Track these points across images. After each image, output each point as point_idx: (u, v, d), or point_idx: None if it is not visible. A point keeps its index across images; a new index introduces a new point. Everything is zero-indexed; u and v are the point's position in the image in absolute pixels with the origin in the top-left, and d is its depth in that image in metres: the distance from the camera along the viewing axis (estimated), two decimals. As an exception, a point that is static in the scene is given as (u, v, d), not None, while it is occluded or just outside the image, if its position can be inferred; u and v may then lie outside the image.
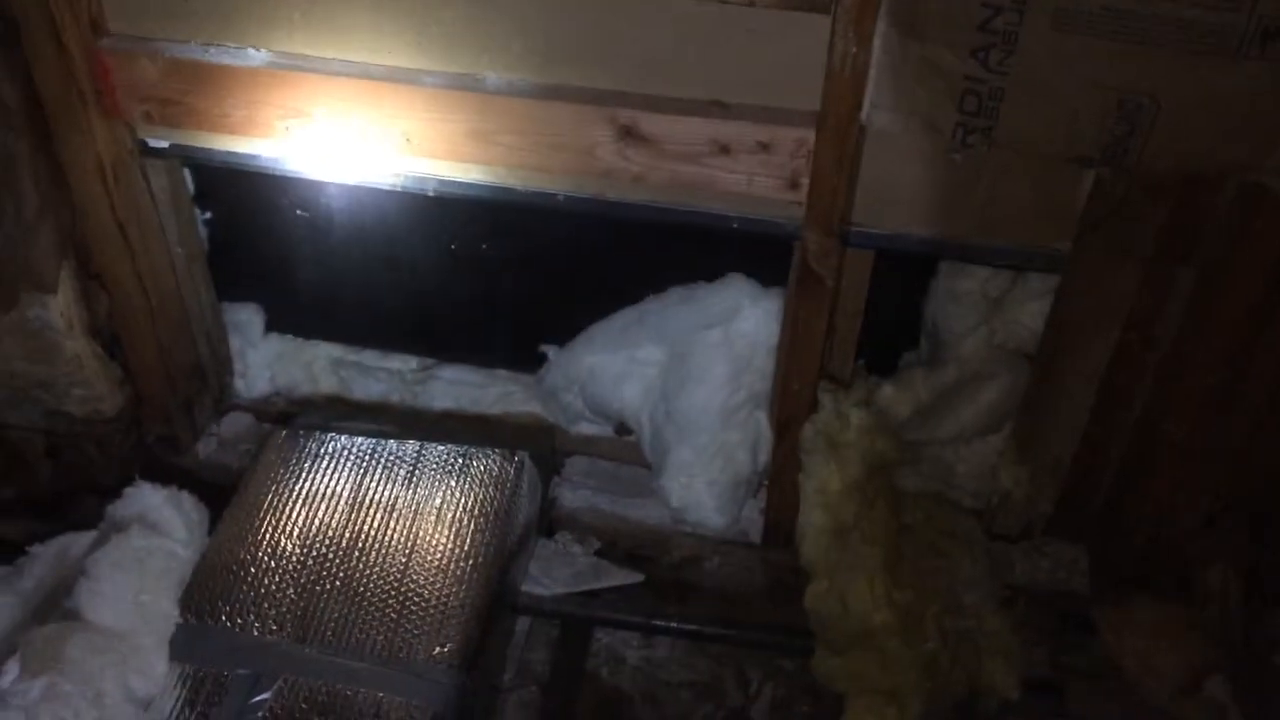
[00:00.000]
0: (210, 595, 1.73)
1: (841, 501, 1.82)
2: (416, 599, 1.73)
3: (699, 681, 1.98)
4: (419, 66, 1.75)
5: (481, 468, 1.96)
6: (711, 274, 2.02)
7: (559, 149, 1.73)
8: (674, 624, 1.98)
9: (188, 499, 1.85)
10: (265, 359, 2.33)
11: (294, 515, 1.86)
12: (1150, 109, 1.41)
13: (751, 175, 1.70)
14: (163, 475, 1.89)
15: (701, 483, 2.06)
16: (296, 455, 1.97)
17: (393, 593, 1.74)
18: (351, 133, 1.79)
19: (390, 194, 1.94)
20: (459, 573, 1.78)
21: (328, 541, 1.82)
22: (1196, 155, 1.47)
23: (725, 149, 1.68)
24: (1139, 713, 1.81)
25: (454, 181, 1.86)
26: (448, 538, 1.84)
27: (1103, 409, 1.85)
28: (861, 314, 1.87)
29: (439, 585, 1.76)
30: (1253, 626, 1.82)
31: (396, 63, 1.75)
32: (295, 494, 1.90)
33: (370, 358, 2.33)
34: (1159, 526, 1.86)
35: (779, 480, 2.01)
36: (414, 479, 1.94)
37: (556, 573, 2.02)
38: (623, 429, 2.23)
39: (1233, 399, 1.68)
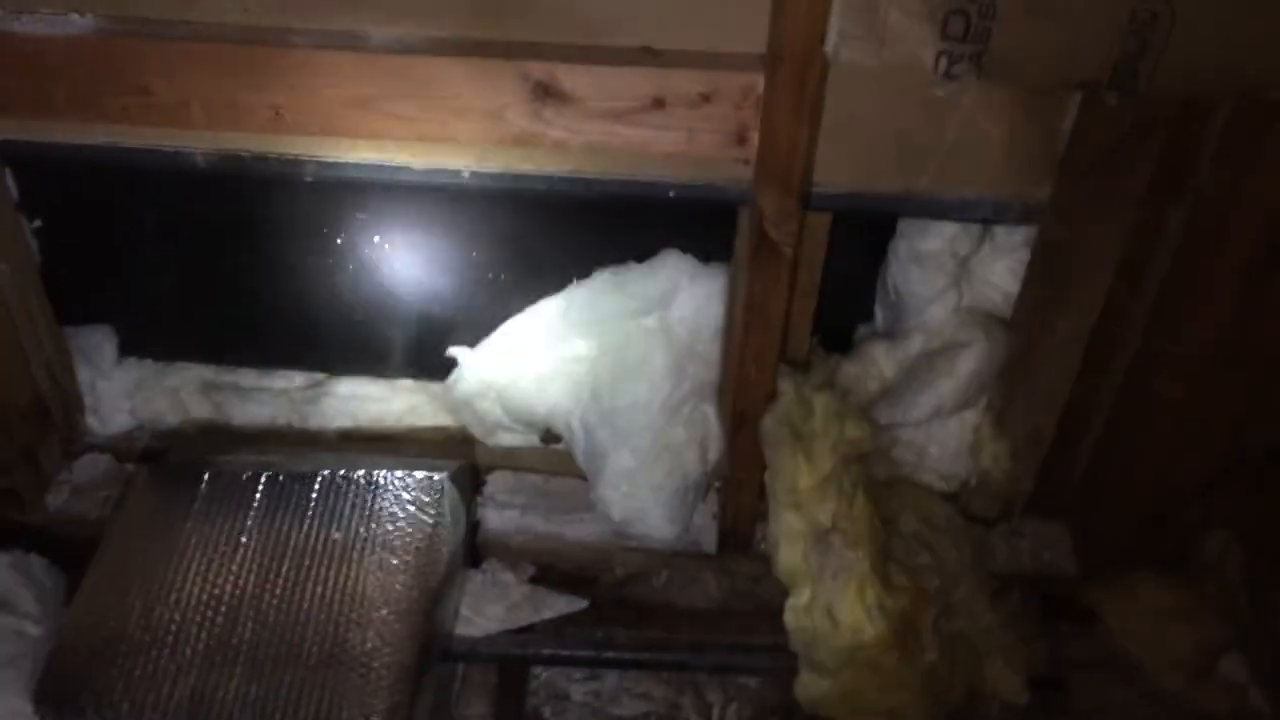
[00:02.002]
0: (71, 683, 1.47)
1: (815, 500, 1.61)
2: (333, 663, 1.50)
3: (654, 713, 1.86)
4: (284, 25, 1.47)
5: (393, 496, 1.73)
6: (643, 253, 1.83)
7: (461, 115, 1.49)
8: (624, 653, 1.83)
9: (36, 563, 1.70)
10: (122, 389, 2.08)
11: (171, 574, 1.60)
12: (1165, 20, 1.23)
13: (691, 132, 1.49)
14: (3, 537, 1.73)
15: (645, 490, 1.87)
16: (168, 500, 1.70)
17: (303, 658, 1.50)
18: (206, 110, 1.51)
19: (260, 182, 1.69)
20: (380, 625, 1.55)
21: (216, 603, 1.57)
22: (1210, 74, 1.30)
23: (659, 103, 1.46)
24: (1152, 702, 1.66)
25: (336, 162, 1.59)
26: (363, 584, 1.60)
27: (1086, 371, 1.70)
28: (819, 286, 1.67)
29: (358, 643, 1.53)
30: (1261, 596, 1.68)
31: (257, 21, 1.47)
32: (171, 548, 1.63)
33: (248, 377, 2.10)
34: (1154, 495, 1.70)
35: (734, 480, 1.82)
36: (315, 517, 1.69)
37: (488, 609, 1.82)
38: (550, 436, 2.02)
39: (1237, 350, 1.52)
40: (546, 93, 1.45)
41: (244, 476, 1.74)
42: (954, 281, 1.73)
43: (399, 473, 1.75)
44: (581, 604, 1.84)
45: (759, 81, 1.41)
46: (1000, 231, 1.70)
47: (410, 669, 1.51)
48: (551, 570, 1.91)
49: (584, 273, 1.86)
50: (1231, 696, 1.64)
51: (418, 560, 1.64)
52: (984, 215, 1.59)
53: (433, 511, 1.69)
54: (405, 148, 1.56)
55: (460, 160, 1.58)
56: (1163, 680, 1.66)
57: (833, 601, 1.54)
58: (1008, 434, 1.77)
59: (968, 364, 1.71)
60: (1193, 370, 1.56)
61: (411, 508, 1.70)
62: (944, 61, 1.32)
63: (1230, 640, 1.68)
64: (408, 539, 1.66)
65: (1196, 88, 1.33)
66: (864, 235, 1.77)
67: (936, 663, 1.58)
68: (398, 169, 1.59)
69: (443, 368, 2.00)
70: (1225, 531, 1.73)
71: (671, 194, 1.58)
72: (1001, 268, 1.72)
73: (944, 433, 1.80)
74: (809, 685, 1.60)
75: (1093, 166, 1.46)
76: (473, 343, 1.96)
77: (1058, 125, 1.47)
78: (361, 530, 1.67)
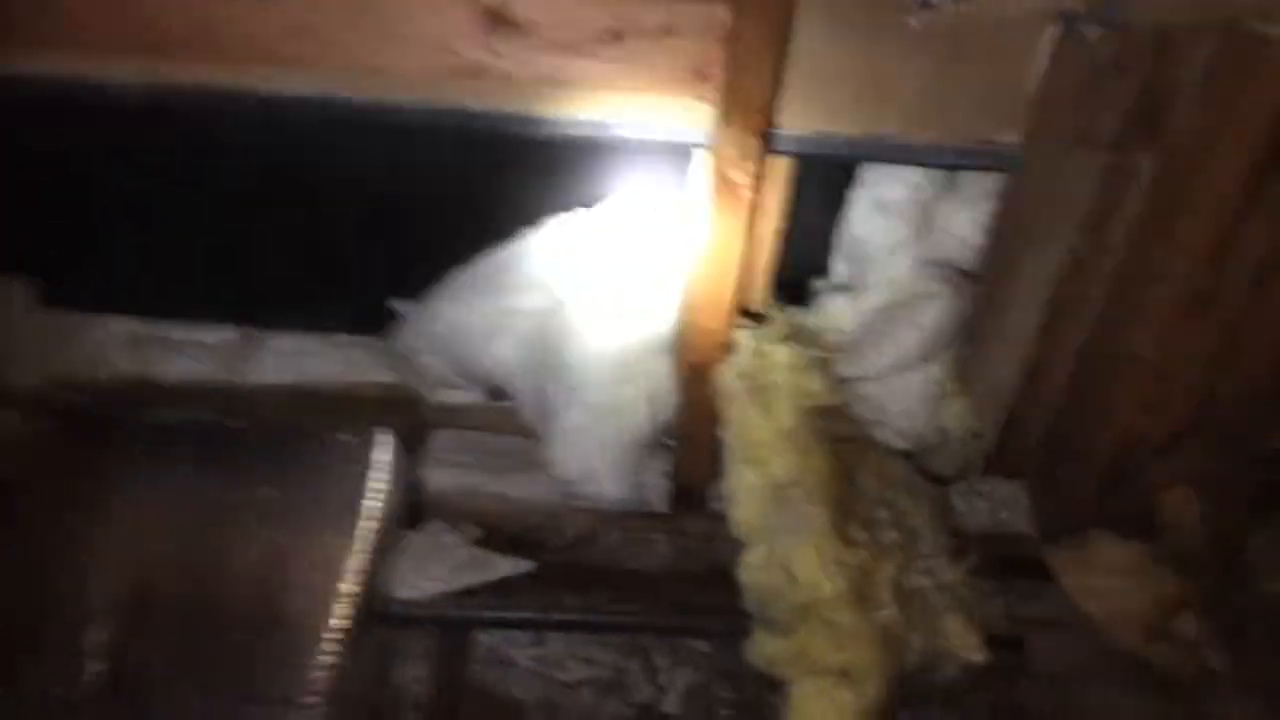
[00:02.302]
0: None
1: (774, 454, 1.56)
2: (263, 626, 1.45)
3: (601, 678, 1.83)
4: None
5: (329, 452, 1.66)
6: (594, 200, 1.75)
7: (404, 44, 1.41)
8: (570, 616, 1.78)
9: (-54, 524, 1.52)
10: (41, 342, 1.96)
11: (89, 534, 1.51)
12: (1149, -53, 1.18)
13: (650, 68, 1.42)
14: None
15: (596, 448, 1.81)
16: (88, 457, 1.62)
17: (232, 621, 1.45)
18: (123, 31, 1.40)
19: (188, 118, 1.58)
20: (313, 586, 1.49)
21: (138, 565, 1.49)
22: (1191, 4, 1.25)
23: (616, 35, 1.40)
24: (1109, 660, 1.63)
25: (269, 95, 1.49)
26: (295, 544, 1.53)
27: (1052, 324, 1.66)
28: (777, 234, 1.61)
29: (289, 605, 1.47)
30: (1223, 552, 1.66)
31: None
32: (90, 506, 1.55)
33: (178, 331, 2.01)
34: (1116, 453, 1.67)
35: (687, 436, 1.77)
36: (244, 474, 1.61)
37: (430, 570, 1.74)
38: (497, 393, 1.95)
39: (1207, 304, 1.49)
40: (498, 20, 1.37)
41: (170, 432, 1.66)
42: (917, 232, 1.69)
43: (336, 431, 1.68)
44: (527, 566, 1.77)
45: (724, 14, 1.34)
46: (965, 179, 1.66)
47: (348, 630, 1.46)
48: (497, 531, 1.85)
49: (535, 221, 1.79)
50: (1188, 654, 1.62)
51: (353, 520, 1.57)
52: (951, 161, 1.54)
53: (370, 469, 1.62)
54: (343, 78, 1.47)
55: (402, 94, 1.49)
56: (1119, 639, 1.64)
57: (790, 557, 1.50)
58: (970, 390, 1.73)
59: (930, 317, 1.67)
60: (1162, 322, 1.52)
61: (348, 464, 1.63)
62: (920, -12, 1.26)
63: (1187, 598, 1.66)
64: (344, 497, 1.59)
65: (1178, 19, 1.28)
66: (824, 183, 1.72)
67: (893, 620, 1.54)
68: (334, 102, 1.49)
69: (384, 322, 1.93)
70: (1186, 489, 1.70)
71: (628, 135, 1.51)
72: (966, 218, 1.69)
73: (905, 388, 1.76)
74: (763, 644, 1.56)
75: (1066, 107, 1.42)
76: (416, 295, 1.88)
77: (1030, 64, 1.42)
78: (295, 489, 1.60)
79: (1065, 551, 1.73)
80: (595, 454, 1.81)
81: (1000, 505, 1.87)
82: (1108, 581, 1.68)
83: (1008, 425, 1.80)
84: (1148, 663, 1.62)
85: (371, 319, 1.94)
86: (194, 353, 1.98)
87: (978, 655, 1.58)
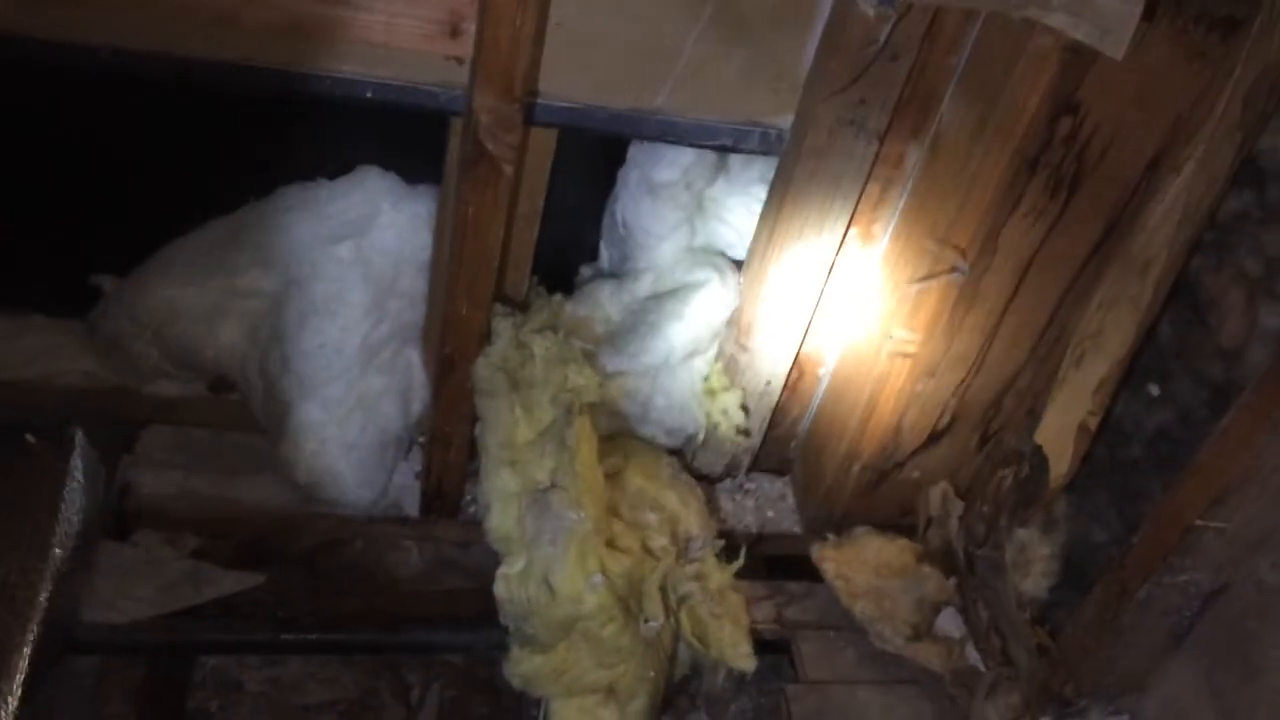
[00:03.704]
0: None
1: (533, 455, 1.43)
2: None
3: (345, 699, 1.73)
4: None
5: (8, 452, 1.41)
6: (338, 169, 1.57)
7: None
8: (307, 635, 1.60)
9: None
10: None
11: None
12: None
13: (391, 18, 1.27)
14: None
15: (337, 447, 1.64)
16: None
17: None
18: None
19: None
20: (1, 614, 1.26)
21: None
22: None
23: (362, -23, 1.22)
24: (875, 663, 1.60)
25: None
26: None
27: (817, 318, 1.61)
28: (540, 215, 1.48)
29: None
30: (974, 550, 1.67)
31: None
32: None
33: None
34: (879, 449, 1.64)
35: (441, 435, 1.62)
36: None
37: (136, 590, 1.53)
38: (221, 384, 1.74)
39: (970, 300, 1.47)
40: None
41: None
42: (688, 217, 1.60)
43: (21, 429, 1.42)
44: (255, 580, 1.59)
45: (478, -41, 1.20)
46: (736, 164, 1.58)
47: (22, 662, 1.24)
48: (224, 540, 1.67)
49: (263, 191, 1.59)
50: (948, 652, 1.61)
51: (37, 531, 1.34)
52: (723, 142, 1.46)
53: (59, 471, 1.39)
54: (29, 14, 1.23)
55: (99, 34, 1.26)
56: (884, 639, 1.61)
57: (550, 569, 1.36)
58: (738, 384, 1.66)
59: (699, 307, 1.58)
60: (928, 317, 1.49)
61: (33, 470, 1.39)
62: (691, -54, 1.15)
63: (949, 596, 1.65)
64: (26, 504, 1.36)
65: (954, 1, 1.24)
66: (590, 161, 1.61)
67: (661, 632, 1.44)
68: (16, 41, 1.25)
69: (85, 301, 1.68)
70: (945, 485, 1.70)
71: (369, 94, 1.35)
72: (737, 203, 1.61)
73: (672, 382, 1.67)
74: (519, 662, 1.43)
75: (838, 90, 1.36)
76: (123, 270, 1.64)
77: (804, 45, 1.37)
78: (-35, 494, 1.34)
79: (831, 549, 1.68)
80: (337, 454, 1.63)
81: (767, 503, 1.83)
82: (873, 580, 1.65)
83: (773, 421, 1.76)
84: (911, 663, 1.60)
85: (71, 298, 1.68)
86: None
87: (747, 663, 1.51)
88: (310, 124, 1.49)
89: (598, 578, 1.37)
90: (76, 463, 1.42)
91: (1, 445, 1.42)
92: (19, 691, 1.23)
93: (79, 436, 1.43)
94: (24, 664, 1.25)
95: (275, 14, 1.23)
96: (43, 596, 1.30)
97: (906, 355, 1.54)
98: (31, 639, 1.27)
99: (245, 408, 1.70)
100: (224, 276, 1.60)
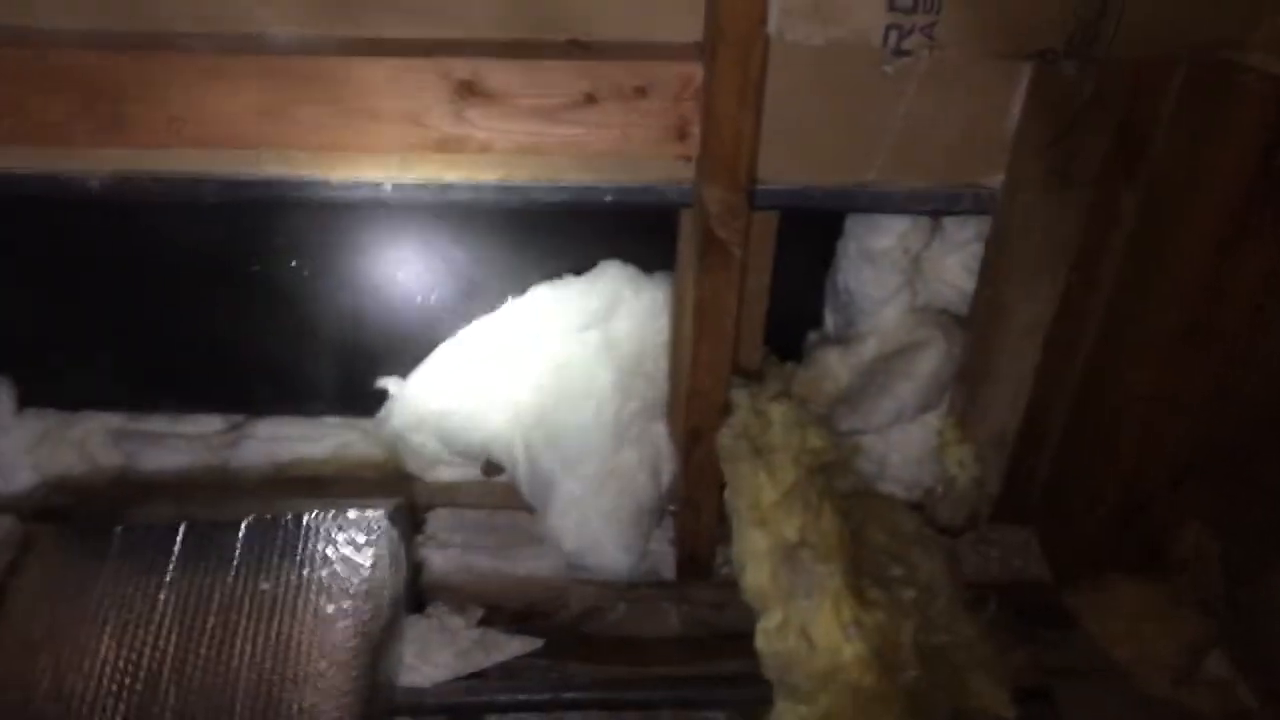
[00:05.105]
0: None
1: (780, 515, 1.51)
2: None
3: None
4: (178, 29, 1.35)
5: (325, 539, 1.59)
6: (582, 265, 1.73)
7: (378, 120, 1.38)
8: (583, 694, 1.69)
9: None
10: (23, 443, 1.90)
11: (83, 640, 1.44)
12: (1122, -21, 1.17)
13: (626, 129, 1.39)
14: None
15: (596, 518, 1.74)
16: (77, 559, 1.55)
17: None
18: (92, 125, 1.36)
19: (160, 208, 1.53)
20: (318, 680, 1.42)
21: (134, 669, 1.41)
22: (1165, 35, 1.24)
23: (590, 99, 1.37)
24: (1141, 707, 1.57)
25: (243, 179, 1.47)
26: (297, 637, 1.46)
27: (1048, 365, 1.63)
28: (768, 290, 1.58)
29: (295, 701, 1.39)
30: (1238, 588, 1.61)
31: (142, 28, 1.35)
32: (81, 611, 1.47)
33: (160, 423, 1.95)
34: (1123, 490, 1.63)
35: (691, 501, 1.70)
36: (240, 567, 1.54)
37: (436, 656, 1.66)
38: (492, 467, 1.89)
39: (1204, 335, 1.46)
40: (470, 92, 1.35)
41: (159, 529, 1.58)
42: (907, 280, 1.65)
43: (330, 513, 1.61)
44: (536, 644, 1.70)
45: (697, 71, 1.33)
46: (951, 225, 1.63)
47: None
48: (501, 610, 1.77)
49: (519, 290, 1.75)
50: (1219, 694, 1.56)
51: (356, 607, 1.50)
52: (936, 207, 1.51)
53: (370, 553, 1.56)
54: (317, 159, 1.45)
55: (380, 171, 1.47)
56: (1149, 683, 1.58)
57: (807, 621, 1.43)
58: (972, 436, 1.69)
59: (926, 365, 1.63)
60: (1160, 356, 1.49)
61: (346, 550, 1.57)
62: (894, 36, 1.24)
63: (1213, 636, 1.61)
64: (344, 584, 1.53)
65: (1152, 50, 1.27)
66: (809, 236, 1.69)
67: (918, 680, 1.48)
68: (311, 184, 1.47)
69: (372, 401, 1.87)
70: (1199, 524, 1.66)
71: (609, 198, 1.49)
72: (954, 263, 1.66)
73: (905, 439, 1.72)
74: (785, 714, 1.48)
75: (1046, 146, 1.40)
76: (403, 373, 1.83)
77: (1008, 105, 1.41)
78: (292, 578, 1.53)
79: (1084, 596, 1.67)
80: (596, 524, 1.74)
81: (1012, 553, 1.82)
82: (1131, 625, 1.63)
83: (1011, 470, 1.76)
84: (1179, 705, 1.56)
85: (361, 399, 1.88)
86: (180, 444, 1.92)
87: (1007, 711, 1.52)
88: (556, 228, 1.65)
89: (853, 629, 1.42)
90: (383, 543, 1.57)
91: (316, 531, 1.58)
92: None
93: (383, 520, 1.59)
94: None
95: (527, 139, 1.38)
96: (363, 664, 1.44)
97: (1142, 395, 1.54)
98: (357, 701, 1.41)
99: (513, 488, 1.83)
100: (490, 369, 1.75)
